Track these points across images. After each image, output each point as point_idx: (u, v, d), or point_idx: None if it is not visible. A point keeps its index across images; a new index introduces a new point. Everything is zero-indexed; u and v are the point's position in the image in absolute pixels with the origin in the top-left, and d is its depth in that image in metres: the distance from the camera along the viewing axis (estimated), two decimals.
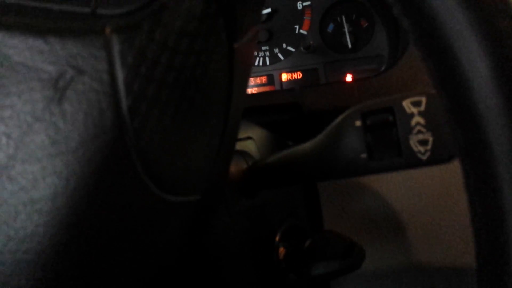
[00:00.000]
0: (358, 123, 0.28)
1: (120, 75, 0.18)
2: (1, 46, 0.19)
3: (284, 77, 0.67)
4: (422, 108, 0.27)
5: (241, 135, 0.41)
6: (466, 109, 0.17)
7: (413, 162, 0.27)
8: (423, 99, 0.27)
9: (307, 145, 0.31)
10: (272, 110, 0.53)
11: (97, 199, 0.19)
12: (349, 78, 0.65)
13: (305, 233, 0.42)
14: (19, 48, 0.19)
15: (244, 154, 0.39)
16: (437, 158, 0.27)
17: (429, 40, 0.18)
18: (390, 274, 0.52)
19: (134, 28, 0.19)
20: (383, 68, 0.63)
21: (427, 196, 0.47)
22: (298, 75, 0.67)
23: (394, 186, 0.48)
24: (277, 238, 0.41)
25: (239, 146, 0.39)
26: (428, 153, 0.27)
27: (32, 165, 0.19)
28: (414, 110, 0.27)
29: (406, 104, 0.27)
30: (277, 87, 0.68)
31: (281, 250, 0.42)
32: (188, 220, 0.24)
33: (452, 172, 0.46)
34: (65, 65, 0.19)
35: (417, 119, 0.27)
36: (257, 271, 0.39)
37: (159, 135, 0.20)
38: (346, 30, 0.65)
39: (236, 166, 0.37)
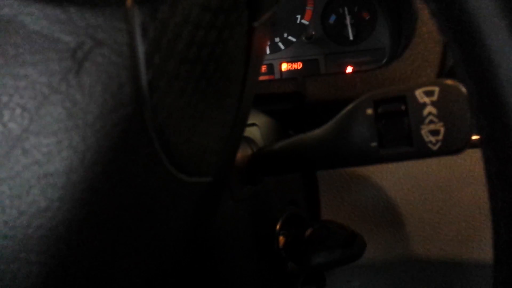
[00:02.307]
0: (369, 111, 0.28)
1: (140, 48, 0.18)
2: (17, 13, 0.18)
3: (284, 67, 0.67)
4: (435, 98, 0.27)
5: None
6: (492, 95, 0.17)
7: (424, 152, 0.27)
8: (436, 89, 0.27)
9: (316, 132, 0.31)
10: (274, 98, 0.53)
11: (113, 175, 0.18)
12: (349, 70, 0.65)
13: (306, 222, 0.42)
14: (36, 16, 0.18)
15: (248, 140, 0.38)
16: (448, 148, 0.27)
17: (457, 24, 0.18)
18: (386, 267, 0.52)
19: (157, 0, 0.18)
20: (384, 61, 0.63)
21: (427, 189, 0.47)
22: (298, 65, 0.66)
23: (393, 179, 0.48)
24: (277, 227, 0.41)
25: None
26: (439, 144, 0.27)
27: (47, 138, 0.18)
28: (427, 99, 0.27)
29: (419, 93, 0.27)
30: (277, 76, 0.68)
31: (281, 238, 0.42)
32: (200, 202, 0.24)
33: (452, 166, 0.47)
34: (84, 35, 0.18)
35: (429, 109, 0.27)
36: (257, 258, 0.39)
37: (177, 112, 0.19)
38: (348, 22, 0.65)
39: (241, 152, 0.37)
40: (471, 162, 0.46)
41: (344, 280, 0.59)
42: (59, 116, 0.18)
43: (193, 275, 0.34)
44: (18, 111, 0.18)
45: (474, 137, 0.45)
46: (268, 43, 0.68)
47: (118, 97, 0.18)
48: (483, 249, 0.46)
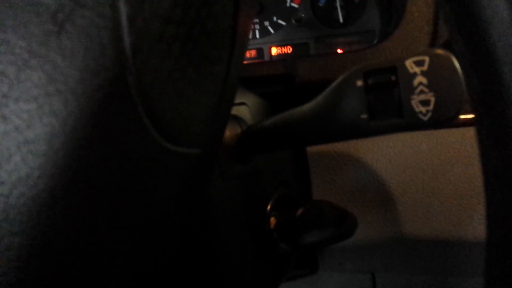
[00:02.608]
0: (359, 83, 0.28)
1: (123, 9, 0.17)
2: None
3: (274, 51, 0.67)
4: (425, 67, 0.26)
5: (235, 100, 0.40)
6: (483, 52, 0.17)
7: (414, 122, 0.27)
8: (427, 59, 0.26)
9: (305, 106, 0.31)
10: (264, 80, 0.52)
11: (96, 141, 0.18)
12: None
13: (296, 203, 0.42)
14: None
15: (238, 119, 0.38)
16: (438, 119, 0.26)
17: None
18: (378, 248, 0.52)
19: None
20: (374, 43, 0.62)
21: (418, 169, 0.47)
22: (288, 49, 0.66)
23: (384, 159, 0.48)
24: (268, 207, 0.41)
25: (233, 111, 0.39)
26: (429, 114, 0.26)
27: (28, 103, 0.17)
28: (417, 69, 0.27)
29: (409, 63, 0.27)
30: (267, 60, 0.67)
31: (272, 219, 0.41)
32: (187, 175, 0.24)
33: (443, 145, 0.46)
34: None
35: (419, 79, 0.26)
36: (248, 239, 0.38)
37: (163, 76, 0.19)
38: (338, 4, 0.64)
39: (230, 130, 0.36)
40: (463, 141, 0.46)
41: (336, 263, 0.59)
42: (40, 81, 0.17)
43: (183, 255, 0.33)
44: None
45: (464, 116, 0.45)
46: (256, 20, 0.67)
47: (100, 60, 0.17)
48: (475, 229, 0.46)
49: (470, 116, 0.45)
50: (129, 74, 0.18)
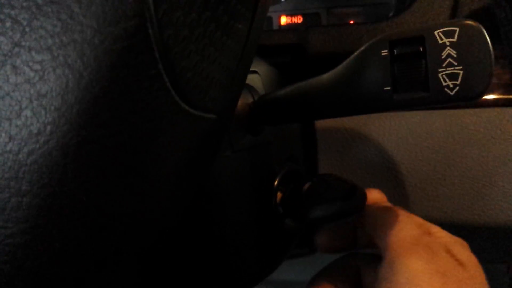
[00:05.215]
0: (384, 52, 0.26)
1: None
2: None
3: (284, 20, 0.64)
4: (455, 39, 0.25)
5: None
6: None
7: (440, 97, 0.25)
8: (457, 29, 0.25)
9: (324, 76, 0.29)
10: (273, 50, 0.50)
11: (113, 96, 0.17)
12: None
13: (303, 178, 0.41)
14: None
15: (249, 87, 0.36)
16: (465, 94, 0.25)
17: None
18: None
19: None
20: (390, 16, 0.60)
21: (429, 148, 0.46)
22: (299, 19, 0.64)
23: (395, 137, 0.47)
24: (275, 183, 0.40)
25: None
26: (456, 88, 0.25)
27: (41, 54, 0.16)
28: (446, 40, 0.25)
29: (438, 34, 0.25)
30: None
31: (279, 194, 0.40)
32: (201, 140, 0.22)
33: (457, 126, 0.45)
34: None
35: (448, 50, 0.25)
36: (254, 213, 0.38)
37: (185, 30, 0.17)
38: None
39: (241, 99, 0.35)
40: (478, 123, 0.45)
41: None
42: (54, 30, 0.16)
43: (187, 226, 0.33)
44: (8, 23, 0.16)
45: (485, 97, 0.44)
46: None
47: (119, 8, 0.16)
48: (486, 213, 0.46)
49: (488, 97, 0.44)
50: (150, 25, 0.16)
